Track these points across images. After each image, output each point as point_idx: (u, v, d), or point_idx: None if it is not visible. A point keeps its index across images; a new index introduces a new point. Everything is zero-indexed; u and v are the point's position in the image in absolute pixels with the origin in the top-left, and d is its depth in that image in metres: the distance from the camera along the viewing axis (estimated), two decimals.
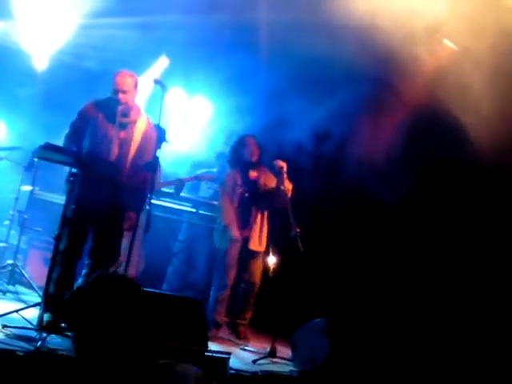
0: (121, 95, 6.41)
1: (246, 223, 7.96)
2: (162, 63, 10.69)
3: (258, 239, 7.96)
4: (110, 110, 6.44)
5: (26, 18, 9.55)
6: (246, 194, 7.97)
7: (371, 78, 8.81)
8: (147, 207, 6.37)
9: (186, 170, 9.73)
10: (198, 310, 5.65)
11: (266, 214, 8.09)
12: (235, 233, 7.86)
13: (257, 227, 7.97)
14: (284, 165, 7.81)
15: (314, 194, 8.94)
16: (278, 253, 7.76)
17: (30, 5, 9.40)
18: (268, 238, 8.05)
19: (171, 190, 8.84)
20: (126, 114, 6.47)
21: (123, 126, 6.45)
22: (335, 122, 8.98)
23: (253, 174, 8.06)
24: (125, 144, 6.43)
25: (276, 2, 8.80)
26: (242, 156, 8.05)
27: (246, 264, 7.98)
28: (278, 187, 7.82)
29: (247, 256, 7.95)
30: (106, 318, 5.12)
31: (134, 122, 6.52)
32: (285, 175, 7.81)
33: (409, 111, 9.08)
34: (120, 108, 6.41)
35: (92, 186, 6.16)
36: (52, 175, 8.32)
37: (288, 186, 7.83)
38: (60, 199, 8.47)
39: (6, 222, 8.73)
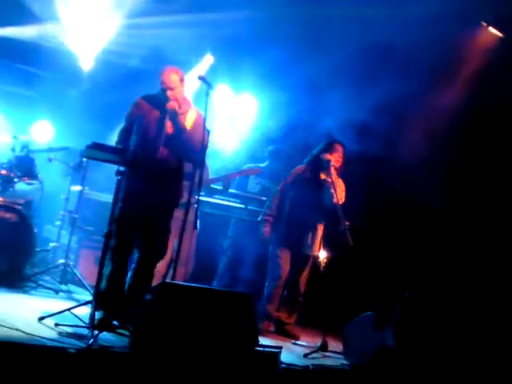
0: (169, 92, 6.43)
1: (304, 225, 7.91)
2: (208, 61, 10.71)
3: (312, 243, 7.90)
4: (159, 105, 6.47)
5: (71, 19, 9.67)
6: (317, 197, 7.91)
7: (421, 70, 8.68)
8: (195, 205, 6.41)
9: (234, 167, 9.72)
10: (248, 304, 5.61)
11: (322, 216, 8.03)
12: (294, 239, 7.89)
13: (310, 232, 7.91)
14: (332, 158, 7.77)
15: (361, 190, 8.82)
16: (328, 247, 7.75)
17: (75, 6, 9.50)
18: (322, 240, 8.00)
19: (219, 187, 8.83)
20: (175, 111, 6.46)
21: (172, 118, 6.45)
22: (382, 118, 8.90)
23: (322, 175, 7.98)
24: (176, 132, 6.45)
25: None
26: (320, 156, 7.95)
27: (298, 265, 7.96)
28: (325, 180, 7.79)
29: (300, 257, 7.92)
30: (164, 319, 5.15)
31: (185, 113, 6.54)
32: (332, 169, 7.77)
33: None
34: (169, 105, 6.41)
35: (139, 183, 6.20)
36: (101, 174, 8.41)
37: (339, 182, 7.81)
38: (109, 198, 8.53)
39: (58, 223, 8.84)
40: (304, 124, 9.48)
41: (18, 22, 9.86)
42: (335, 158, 7.89)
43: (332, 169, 7.76)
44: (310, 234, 7.91)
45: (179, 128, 6.43)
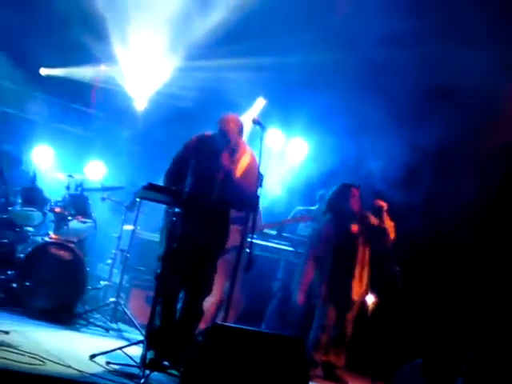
0: (226, 138, 6.47)
1: (346, 273, 7.88)
2: (260, 104, 10.80)
3: (359, 288, 7.87)
4: (214, 148, 6.50)
5: (128, 61, 9.87)
6: (346, 247, 7.89)
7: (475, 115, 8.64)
8: (247, 249, 6.41)
9: (284, 208, 9.74)
10: (299, 349, 5.57)
11: (367, 258, 8.00)
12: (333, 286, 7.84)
13: (356, 278, 7.88)
14: (384, 204, 7.77)
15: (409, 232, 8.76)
16: (375, 291, 7.71)
17: (133, 49, 9.70)
18: (368, 285, 7.96)
19: (273, 232, 8.84)
20: (230, 150, 6.52)
21: (227, 161, 6.49)
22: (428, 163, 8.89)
23: (354, 227, 7.96)
24: (227, 178, 6.46)
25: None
26: (344, 206, 7.96)
27: (345, 310, 7.91)
28: (379, 228, 7.77)
29: (347, 302, 7.89)
30: (215, 361, 5.14)
31: (239, 159, 6.55)
32: (385, 214, 7.77)
33: None
34: (225, 152, 6.47)
35: (193, 224, 6.23)
36: (153, 214, 8.49)
37: (389, 223, 7.78)
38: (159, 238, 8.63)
39: (109, 261, 8.92)
40: (352, 168, 9.49)
41: (75, 63, 10.11)
42: (356, 202, 7.89)
43: (385, 214, 7.75)
44: (358, 279, 7.87)
45: (232, 173, 6.47)
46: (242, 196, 6.39)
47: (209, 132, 6.64)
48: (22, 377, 4.65)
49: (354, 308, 7.93)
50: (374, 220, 7.93)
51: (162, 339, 6.22)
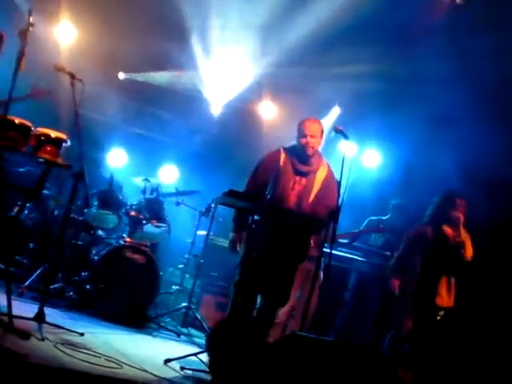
0: (309, 139, 6.39)
1: (432, 280, 7.73)
2: (335, 112, 10.74)
3: (446, 295, 7.70)
4: (294, 157, 6.46)
5: (208, 68, 9.93)
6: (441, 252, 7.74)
7: None
8: (324, 260, 6.34)
9: (356, 218, 9.65)
10: (377, 359, 5.49)
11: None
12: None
13: (443, 284, 7.71)
14: (461, 216, 7.59)
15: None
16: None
17: (215, 58, 9.76)
18: (455, 298, 7.78)
19: (345, 240, 8.76)
20: (308, 162, 6.46)
21: (304, 175, 6.45)
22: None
23: (448, 230, 7.75)
24: (305, 192, 6.41)
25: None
26: (446, 215, 7.79)
27: (425, 320, 7.76)
28: (455, 239, 7.62)
29: (430, 312, 7.73)
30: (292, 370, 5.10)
31: (316, 171, 6.48)
32: (461, 227, 7.59)
33: None
34: (307, 152, 6.42)
35: (272, 233, 6.19)
36: (227, 221, 8.50)
37: (465, 236, 7.61)
38: None
39: (181, 266, 8.96)
40: (427, 180, 9.34)
41: (155, 69, 10.21)
42: (462, 214, 7.70)
43: (461, 227, 7.57)
44: (445, 286, 7.72)
45: (308, 189, 6.41)
46: (315, 220, 6.36)
47: (284, 147, 6.60)
48: (103, 380, 4.67)
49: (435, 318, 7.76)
50: (450, 232, 7.76)
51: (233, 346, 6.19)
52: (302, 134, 6.43)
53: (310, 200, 6.40)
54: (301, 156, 6.43)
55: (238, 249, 6.44)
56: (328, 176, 6.50)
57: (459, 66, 8.69)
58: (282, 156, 6.48)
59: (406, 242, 7.88)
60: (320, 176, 6.48)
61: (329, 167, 6.57)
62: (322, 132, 6.54)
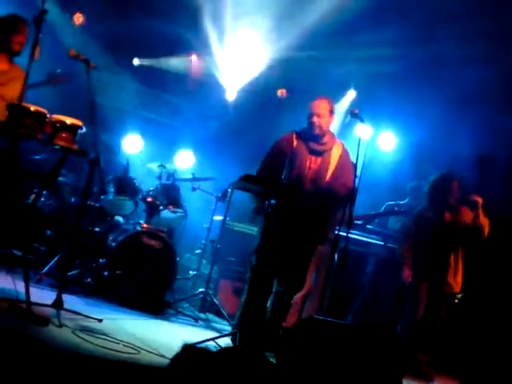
0: (315, 118, 6.38)
1: (438, 265, 7.73)
2: (350, 95, 10.69)
3: (454, 281, 7.72)
4: (306, 138, 6.46)
5: (223, 54, 9.91)
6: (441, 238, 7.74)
7: None
8: (342, 244, 6.31)
9: (374, 202, 9.61)
10: (394, 342, 5.48)
11: (461, 252, 7.83)
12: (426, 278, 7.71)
13: (451, 269, 7.73)
14: (480, 200, 7.57)
15: None
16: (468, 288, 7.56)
17: (229, 42, 9.73)
18: (463, 279, 7.79)
19: (359, 222, 8.73)
20: (320, 141, 6.46)
21: (319, 154, 6.43)
22: None
23: (447, 215, 7.82)
24: (321, 171, 6.40)
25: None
26: (441, 197, 7.81)
27: (437, 305, 7.75)
28: (473, 224, 7.60)
29: (439, 297, 7.72)
30: (310, 354, 5.09)
31: (330, 149, 6.47)
32: (480, 210, 7.58)
33: None
34: (315, 132, 6.40)
35: (288, 216, 6.19)
36: (243, 206, 8.49)
37: (484, 221, 7.59)
38: (250, 229, 8.63)
39: (198, 251, 8.96)
40: (443, 162, 9.30)
41: (169, 54, 10.19)
42: (455, 195, 7.71)
43: (480, 210, 7.56)
44: (452, 272, 7.72)
45: (321, 177, 6.39)
46: (333, 198, 6.35)
47: (296, 130, 6.60)
48: (121, 365, 4.69)
49: (444, 306, 7.77)
50: (468, 215, 7.75)
51: (251, 330, 6.20)
52: (309, 114, 6.44)
53: (327, 178, 6.39)
54: (311, 136, 6.43)
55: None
56: (343, 154, 6.50)
57: (477, 48, 8.63)
58: (295, 138, 6.48)
59: (413, 225, 7.91)
60: (335, 154, 6.48)
61: (343, 146, 6.57)
62: (332, 111, 6.51)
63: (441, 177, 7.87)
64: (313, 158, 6.41)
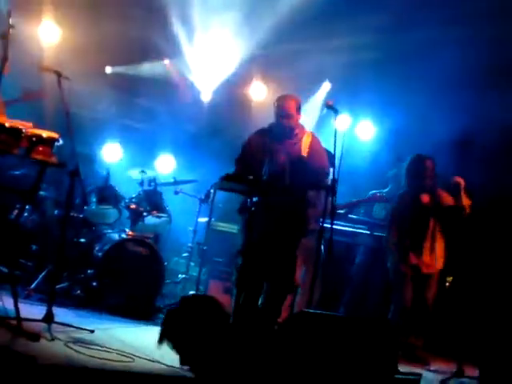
0: (285, 121, 6.46)
1: (417, 246, 7.77)
2: (325, 88, 10.70)
3: (430, 261, 7.77)
4: (276, 135, 6.52)
5: (194, 54, 9.89)
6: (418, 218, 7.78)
7: None
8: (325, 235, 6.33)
9: (356, 192, 9.63)
10: (386, 331, 5.50)
11: (438, 232, 7.87)
12: (410, 259, 7.72)
13: (427, 250, 7.77)
14: (461, 181, 7.62)
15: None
16: (456, 270, 7.58)
17: (199, 42, 9.71)
18: (444, 255, 7.84)
19: (342, 211, 8.76)
20: (291, 136, 6.53)
21: (291, 146, 6.50)
22: None
23: (425, 198, 7.86)
24: (296, 160, 6.44)
25: None
26: (416, 179, 7.86)
27: (420, 286, 7.79)
28: (455, 205, 7.65)
29: (421, 278, 7.77)
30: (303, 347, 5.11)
31: (300, 140, 6.53)
32: (462, 192, 7.63)
33: None
34: (284, 137, 6.48)
35: (270, 212, 6.20)
36: (227, 205, 8.50)
37: (466, 202, 7.64)
38: (235, 229, 8.61)
39: (185, 254, 8.96)
40: (422, 148, 9.33)
41: (140, 59, 10.16)
42: (430, 175, 7.76)
43: (462, 192, 7.62)
44: (427, 252, 7.75)
45: (297, 157, 6.42)
46: (313, 174, 6.41)
47: (265, 128, 6.67)
48: (115, 375, 4.67)
49: (431, 285, 7.79)
50: (447, 199, 7.81)
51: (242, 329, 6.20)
52: (277, 114, 6.53)
53: (301, 167, 6.42)
54: (282, 134, 6.49)
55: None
56: (313, 141, 6.58)
57: (454, 32, 8.66)
58: (266, 136, 6.55)
59: (396, 209, 7.96)
60: (306, 142, 6.54)
61: (313, 134, 6.67)
62: (299, 109, 6.58)
63: (413, 158, 7.93)
64: (287, 151, 6.43)
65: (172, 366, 5.29)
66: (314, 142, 6.57)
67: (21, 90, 7.12)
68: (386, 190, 9.29)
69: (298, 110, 6.57)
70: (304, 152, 6.49)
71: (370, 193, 9.29)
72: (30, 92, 7.21)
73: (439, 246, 7.85)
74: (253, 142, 6.61)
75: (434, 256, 7.80)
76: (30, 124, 5.69)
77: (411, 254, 7.73)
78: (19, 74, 6.64)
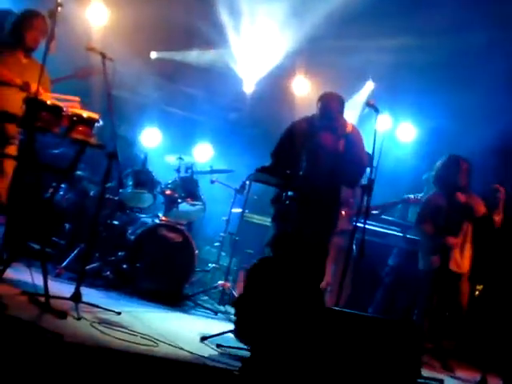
0: (326, 121, 6.39)
1: (447, 244, 7.69)
2: (369, 87, 10.63)
3: (461, 259, 7.68)
4: (315, 129, 6.43)
5: (240, 45, 9.89)
6: (456, 217, 7.70)
7: None
8: (358, 234, 6.28)
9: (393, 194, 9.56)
10: (412, 334, 5.46)
11: (469, 233, 7.79)
12: (437, 260, 7.64)
13: (457, 249, 7.69)
14: (502, 191, 7.54)
15: None
16: (486, 279, 7.52)
17: (245, 33, 9.71)
18: (472, 259, 7.76)
19: (376, 212, 8.71)
20: (334, 130, 6.43)
21: (334, 140, 6.42)
22: None
23: (461, 196, 7.78)
24: (336, 151, 6.37)
25: None
26: (451, 178, 7.79)
27: (451, 289, 7.70)
28: (486, 215, 7.60)
29: (450, 278, 7.67)
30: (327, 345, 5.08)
31: (341, 136, 6.43)
32: (500, 203, 7.55)
33: None
34: (326, 131, 6.40)
35: (307, 208, 6.16)
36: (262, 198, 8.48)
37: (498, 216, 7.57)
38: (268, 221, 8.60)
39: (217, 244, 8.97)
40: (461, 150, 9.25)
41: (186, 47, 10.18)
42: (461, 175, 7.68)
43: (501, 202, 7.56)
44: (458, 250, 7.67)
45: (336, 151, 6.36)
46: (350, 170, 6.33)
47: (307, 115, 6.56)
48: (138, 357, 4.69)
49: (462, 288, 7.70)
50: (479, 205, 7.75)
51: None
52: (322, 113, 6.43)
53: (340, 162, 6.35)
54: (323, 130, 6.41)
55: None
56: (354, 133, 6.47)
57: (495, 35, 8.57)
58: (308, 125, 6.46)
59: (428, 205, 7.89)
60: (347, 136, 6.43)
61: (354, 127, 6.56)
62: (342, 108, 6.51)
63: (449, 158, 7.85)
64: (327, 149, 6.37)
65: (195, 354, 5.30)
66: (356, 136, 6.46)
67: (72, 69, 7.17)
68: (421, 194, 9.21)
69: (342, 110, 6.48)
70: (343, 146, 6.40)
71: (405, 196, 9.22)
72: (82, 69, 7.24)
73: (468, 248, 7.78)
74: (297, 127, 6.50)
75: (464, 256, 7.73)
76: (77, 98, 5.75)
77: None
78: (66, 52, 6.70)
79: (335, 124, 6.41)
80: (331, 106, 6.42)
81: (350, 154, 6.35)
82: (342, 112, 6.49)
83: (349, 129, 6.47)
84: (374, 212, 8.67)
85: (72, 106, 5.72)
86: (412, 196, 9.09)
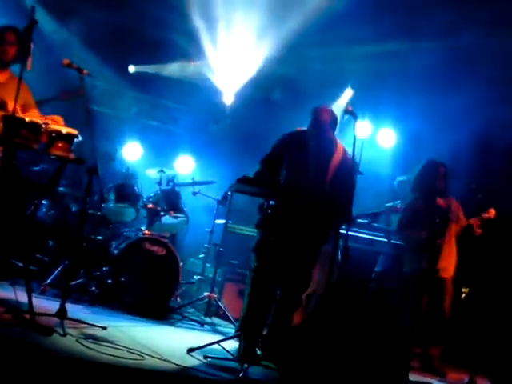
0: (317, 132, 6.39)
1: (433, 249, 7.73)
2: (347, 94, 10.66)
3: (446, 264, 7.73)
4: (307, 143, 6.41)
5: (217, 56, 9.92)
6: (437, 220, 7.74)
7: None
8: (341, 242, 6.31)
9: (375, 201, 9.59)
10: (399, 340, 5.49)
11: (452, 238, 7.86)
12: (424, 263, 7.68)
13: (445, 253, 7.74)
14: (493, 213, 7.67)
15: None
16: (471, 281, 7.55)
17: (222, 44, 9.74)
18: (457, 263, 7.82)
19: (365, 220, 8.72)
20: (325, 144, 6.42)
21: (324, 157, 6.39)
22: None
23: (440, 201, 7.86)
24: (322, 175, 6.33)
25: None
26: (429, 183, 7.86)
27: (436, 293, 7.74)
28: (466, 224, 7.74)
29: (436, 283, 7.72)
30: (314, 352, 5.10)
31: (332, 154, 6.41)
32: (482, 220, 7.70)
33: None
34: (316, 148, 6.39)
35: (288, 217, 6.15)
36: (245, 208, 8.49)
37: (478, 231, 7.73)
38: (252, 231, 8.60)
39: (201, 255, 8.96)
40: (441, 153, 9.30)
41: (164, 60, 10.20)
42: (442, 181, 7.84)
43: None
44: (445, 255, 7.72)
45: (322, 171, 6.34)
46: (333, 205, 6.29)
47: (302, 128, 6.56)
48: (125, 371, 4.68)
49: (447, 292, 7.74)
50: (457, 208, 7.85)
51: (257, 331, 6.18)
52: (313, 124, 6.44)
53: (328, 180, 6.33)
54: (317, 137, 6.40)
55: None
56: (343, 158, 6.42)
57: (476, 42, 8.66)
58: (300, 137, 6.43)
59: (408, 210, 7.93)
60: (335, 158, 6.41)
61: (344, 149, 6.50)
62: (335, 123, 6.51)
63: (427, 163, 7.95)
64: (315, 159, 6.36)
65: (182, 366, 5.29)
66: (344, 158, 6.42)
67: (58, 90, 7.14)
68: (398, 201, 9.25)
69: (333, 126, 6.49)
70: (332, 169, 6.37)
71: (386, 205, 9.25)
72: (66, 92, 7.21)
73: (453, 251, 7.85)
74: (290, 138, 6.46)
75: (449, 260, 7.77)
76: (60, 117, 5.74)
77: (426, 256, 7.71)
78: (43, 70, 6.68)
79: (326, 135, 6.41)
80: (323, 117, 6.44)
81: (336, 190, 6.31)
82: (333, 128, 6.49)
83: (339, 151, 6.47)
84: (364, 220, 8.71)
85: (55, 120, 5.70)
86: (391, 204, 9.15)
